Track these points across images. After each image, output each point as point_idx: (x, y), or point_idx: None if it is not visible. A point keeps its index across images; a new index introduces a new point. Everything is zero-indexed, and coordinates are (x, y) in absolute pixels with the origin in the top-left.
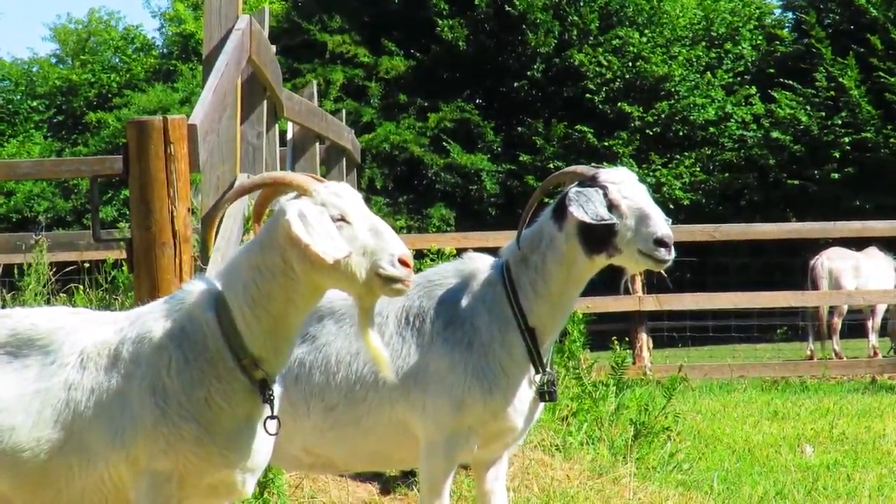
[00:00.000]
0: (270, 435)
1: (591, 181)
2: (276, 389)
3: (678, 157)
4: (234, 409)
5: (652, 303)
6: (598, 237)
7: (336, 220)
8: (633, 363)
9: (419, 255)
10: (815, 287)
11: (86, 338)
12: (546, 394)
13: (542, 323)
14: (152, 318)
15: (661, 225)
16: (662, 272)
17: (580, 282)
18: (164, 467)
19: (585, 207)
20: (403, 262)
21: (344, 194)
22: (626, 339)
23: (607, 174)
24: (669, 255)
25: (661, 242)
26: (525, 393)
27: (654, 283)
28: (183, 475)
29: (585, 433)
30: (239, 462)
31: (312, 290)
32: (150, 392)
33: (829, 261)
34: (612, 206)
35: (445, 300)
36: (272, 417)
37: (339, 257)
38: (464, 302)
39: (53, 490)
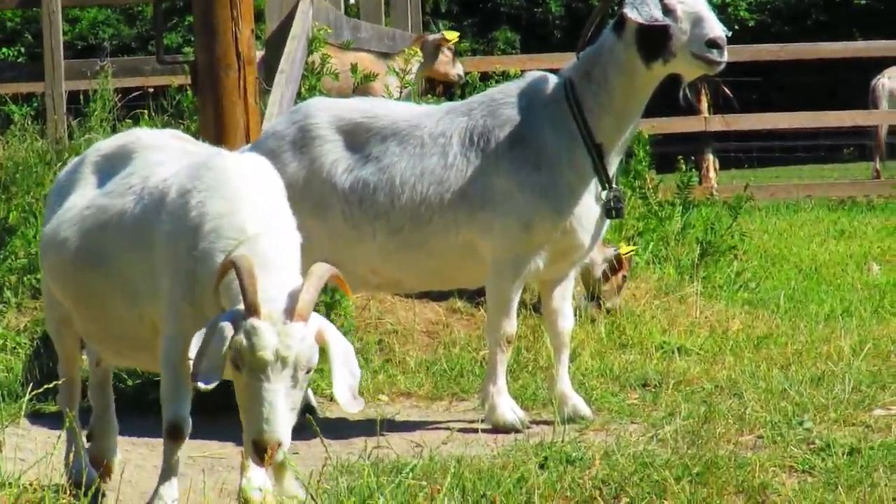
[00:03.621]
0: None
1: None
2: None
3: None
4: None
5: (718, 123)
6: (653, 42)
7: None
8: (700, 184)
9: (484, 77)
10: (875, 107)
11: (165, 171)
12: (613, 210)
13: (608, 138)
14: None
15: (714, 27)
16: (727, 91)
17: (642, 93)
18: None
19: (640, 10)
20: None
21: None
22: (692, 159)
23: None
24: (722, 57)
25: (713, 44)
26: (592, 210)
27: (719, 104)
28: None
29: (651, 252)
30: None
31: None
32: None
33: (890, 80)
34: (667, 11)
35: (510, 119)
36: None
37: None
38: (528, 121)
39: (97, 310)
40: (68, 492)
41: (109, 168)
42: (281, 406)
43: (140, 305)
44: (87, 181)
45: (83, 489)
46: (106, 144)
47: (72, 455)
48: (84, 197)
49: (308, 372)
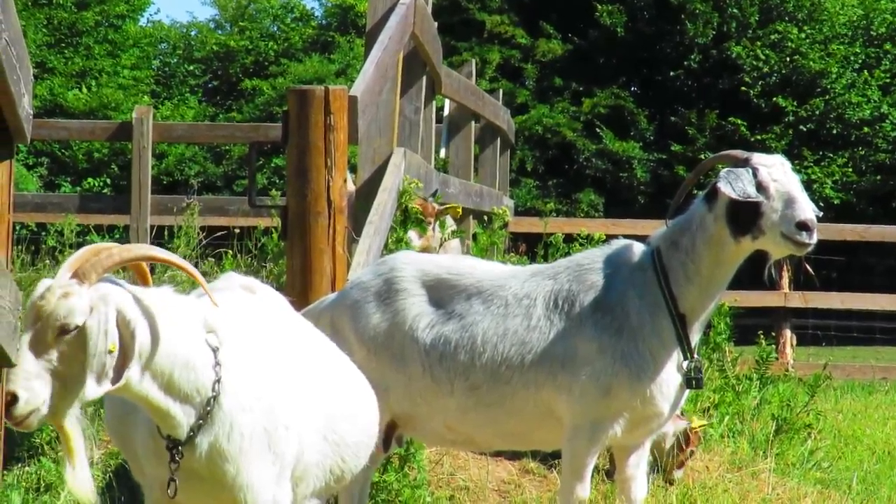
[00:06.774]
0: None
1: (744, 163)
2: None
3: (831, 155)
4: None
5: (798, 300)
6: (744, 218)
7: None
8: (776, 359)
9: (568, 238)
10: None
11: None
12: (693, 380)
13: (692, 308)
14: None
15: (806, 209)
16: (809, 269)
17: (729, 266)
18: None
19: (734, 185)
20: None
21: None
22: (772, 334)
23: (760, 157)
24: (811, 240)
25: (803, 226)
26: (672, 378)
27: (801, 281)
28: None
29: (727, 426)
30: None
31: None
32: None
33: None
34: (760, 187)
35: (595, 285)
36: (172, 480)
37: None
38: (614, 287)
39: None
40: None
41: None
42: (24, 358)
43: None
44: None
45: None
46: None
47: None
48: None
49: (64, 333)
